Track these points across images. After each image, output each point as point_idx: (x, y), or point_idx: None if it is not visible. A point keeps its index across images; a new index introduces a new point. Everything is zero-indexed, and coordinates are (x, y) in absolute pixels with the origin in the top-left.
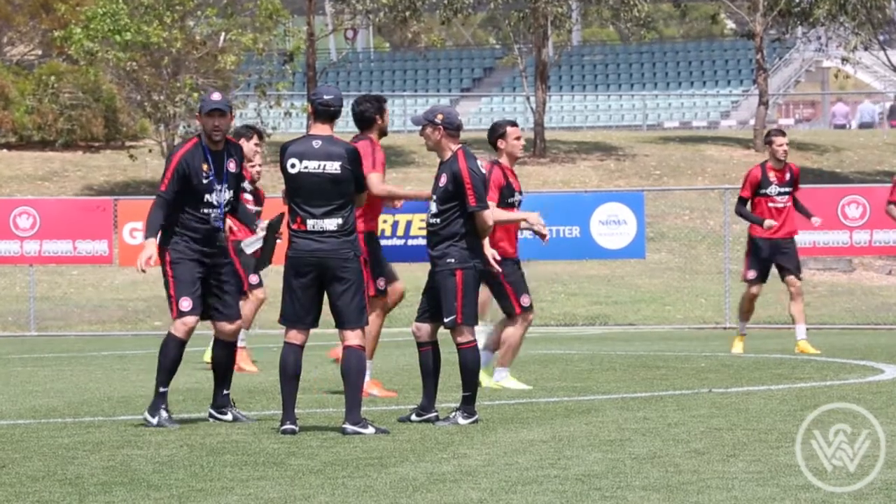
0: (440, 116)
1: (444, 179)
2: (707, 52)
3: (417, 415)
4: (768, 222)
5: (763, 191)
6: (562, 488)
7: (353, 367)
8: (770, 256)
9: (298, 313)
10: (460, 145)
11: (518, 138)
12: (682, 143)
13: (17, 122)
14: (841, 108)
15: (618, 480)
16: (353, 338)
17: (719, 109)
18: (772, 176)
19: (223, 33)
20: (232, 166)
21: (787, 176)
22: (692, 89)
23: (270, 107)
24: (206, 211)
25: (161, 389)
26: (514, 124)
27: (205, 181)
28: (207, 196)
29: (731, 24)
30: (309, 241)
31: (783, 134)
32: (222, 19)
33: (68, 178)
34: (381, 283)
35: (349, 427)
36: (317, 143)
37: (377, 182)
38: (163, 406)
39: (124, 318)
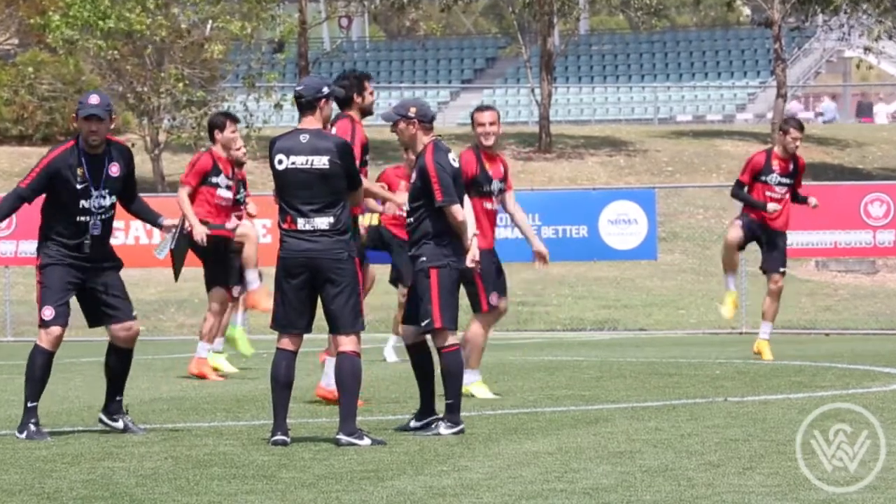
0: (413, 109)
1: (414, 175)
2: (722, 42)
3: (417, 420)
4: (772, 206)
5: (763, 178)
6: (568, 503)
7: (347, 375)
8: (759, 235)
9: (290, 317)
10: (433, 138)
11: (481, 124)
12: (696, 137)
13: None
14: (795, 106)
15: (627, 494)
16: (348, 343)
17: (735, 102)
18: (775, 164)
19: (210, 21)
20: (114, 170)
21: (791, 167)
22: (706, 81)
23: (259, 99)
24: (80, 218)
25: (29, 404)
26: (482, 109)
27: (79, 186)
28: (83, 202)
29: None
30: (300, 240)
31: (801, 128)
32: (209, 5)
33: None
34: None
35: (344, 438)
36: (304, 138)
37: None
38: (31, 421)
39: None
